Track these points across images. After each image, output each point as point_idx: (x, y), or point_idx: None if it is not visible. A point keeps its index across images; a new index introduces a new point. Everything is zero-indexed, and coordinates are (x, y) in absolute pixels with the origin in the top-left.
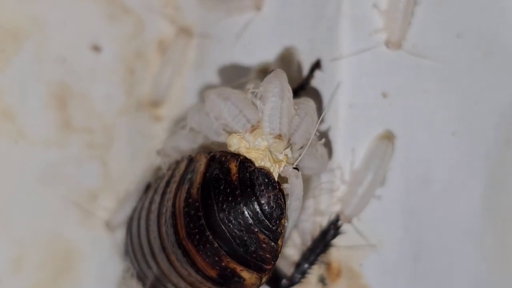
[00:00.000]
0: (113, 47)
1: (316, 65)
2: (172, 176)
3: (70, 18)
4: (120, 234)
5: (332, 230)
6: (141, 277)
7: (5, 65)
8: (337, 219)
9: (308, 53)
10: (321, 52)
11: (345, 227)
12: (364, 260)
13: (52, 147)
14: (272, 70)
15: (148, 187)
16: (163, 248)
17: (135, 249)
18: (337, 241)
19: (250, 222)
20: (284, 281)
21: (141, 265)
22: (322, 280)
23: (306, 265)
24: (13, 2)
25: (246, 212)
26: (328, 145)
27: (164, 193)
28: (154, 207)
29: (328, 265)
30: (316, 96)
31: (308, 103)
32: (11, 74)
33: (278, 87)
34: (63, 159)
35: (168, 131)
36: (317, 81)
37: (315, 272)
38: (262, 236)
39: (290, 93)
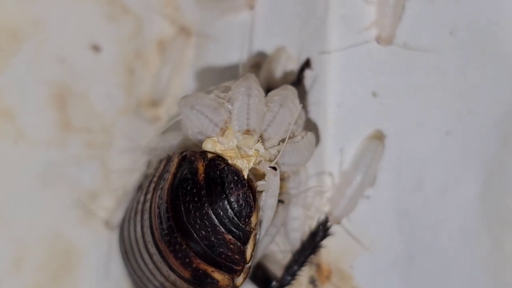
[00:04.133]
0: (112, 47)
1: (306, 64)
2: (153, 176)
3: (70, 18)
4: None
5: (321, 231)
6: (133, 278)
7: (4, 65)
8: (326, 220)
9: (298, 52)
10: (311, 51)
11: (334, 228)
12: (355, 262)
13: (52, 147)
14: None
15: (139, 186)
16: (147, 249)
17: (127, 249)
18: (327, 242)
19: (215, 223)
20: (274, 283)
21: (133, 265)
22: (312, 281)
23: (295, 267)
24: (13, 2)
25: (211, 213)
26: (315, 131)
27: (146, 193)
28: (139, 207)
29: (318, 267)
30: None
31: (285, 92)
32: (11, 74)
33: (244, 87)
34: (63, 159)
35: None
36: (306, 81)
37: (305, 273)
38: (228, 237)
39: (258, 91)
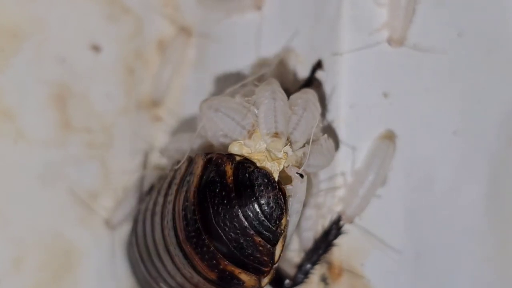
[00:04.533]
0: (112, 47)
1: (318, 66)
2: (173, 177)
3: (70, 18)
4: (120, 233)
5: (334, 230)
6: (142, 280)
7: (4, 65)
8: (338, 219)
9: (309, 53)
10: (322, 52)
11: (347, 226)
12: (366, 260)
13: (52, 147)
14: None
15: (151, 188)
16: (167, 250)
17: (141, 250)
18: (339, 240)
19: (245, 225)
20: (287, 282)
21: (147, 266)
22: (324, 279)
23: (308, 265)
24: (13, 2)
25: (240, 215)
26: (333, 136)
27: (166, 195)
28: (158, 208)
29: (330, 265)
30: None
31: (306, 96)
32: (11, 74)
33: (269, 91)
34: (63, 159)
35: (167, 131)
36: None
37: (317, 271)
38: (258, 239)
39: (283, 95)
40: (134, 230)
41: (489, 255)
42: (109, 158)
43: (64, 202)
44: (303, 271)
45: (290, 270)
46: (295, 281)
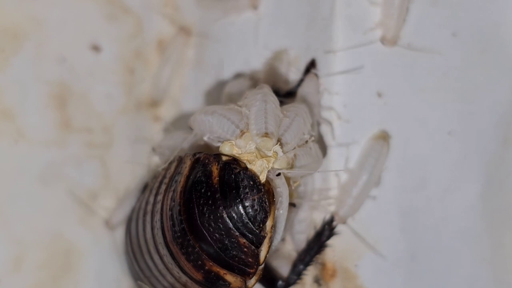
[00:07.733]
0: (112, 47)
1: (312, 65)
2: (164, 176)
3: (70, 18)
4: (120, 233)
5: (326, 230)
6: (139, 278)
7: (5, 65)
8: (331, 219)
9: (303, 52)
10: (316, 52)
11: (340, 227)
12: (360, 261)
13: (52, 147)
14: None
15: (145, 186)
16: (157, 250)
17: (135, 249)
18: (332, 241)
19: (229, 226)
20: (280, 283)
21: (141, 265)
22: (317, 280)
23: (301, 266)
24: (13, 2)
25: (225, 216)
26: (321, 141)
27: (156, 194)
28: (149, 208)
29: (323, 266)
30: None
31: (299, 105)
32: (11, 74)
33: (260, 94)
34: (63, 159)
35: (167, 130)
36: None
37: (310, 272)
38: (242, 240)
39: (274, 99)
40: (128, 229)
41: (485, 256)
42: (109, 158)
43: (64, 202)
44: (296, 272)
45: (283, 271)
46: (288, 282)
